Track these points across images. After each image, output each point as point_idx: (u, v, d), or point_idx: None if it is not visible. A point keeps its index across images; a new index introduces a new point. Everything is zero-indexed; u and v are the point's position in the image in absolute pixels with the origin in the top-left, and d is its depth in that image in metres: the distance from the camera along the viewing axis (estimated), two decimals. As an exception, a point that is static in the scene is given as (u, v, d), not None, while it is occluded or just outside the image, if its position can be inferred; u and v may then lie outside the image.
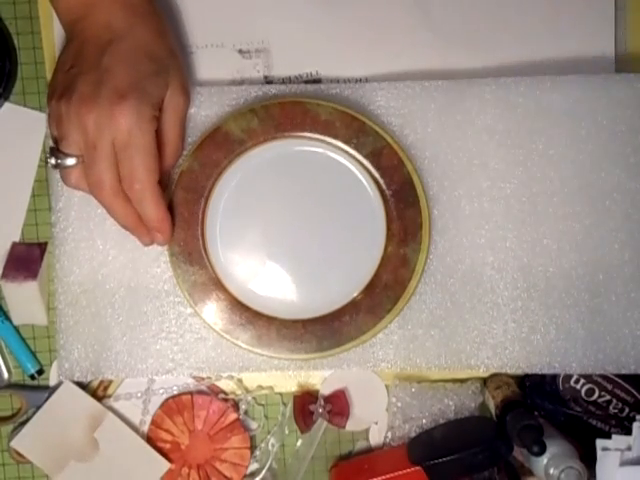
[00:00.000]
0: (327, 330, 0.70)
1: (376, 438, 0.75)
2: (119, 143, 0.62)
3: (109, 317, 0.71)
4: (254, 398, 0.75)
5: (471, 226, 0.71)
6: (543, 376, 0.72)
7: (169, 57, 0.66)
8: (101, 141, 0.62)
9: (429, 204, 0.70)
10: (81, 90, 0.62)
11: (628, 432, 0.68)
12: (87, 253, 0.71)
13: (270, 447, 0.75)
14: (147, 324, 0.71)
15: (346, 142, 0.69)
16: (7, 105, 0.74)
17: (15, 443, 0.73)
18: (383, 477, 0.70)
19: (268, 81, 0.74)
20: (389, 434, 0.74)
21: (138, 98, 0.62)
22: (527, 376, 0.73)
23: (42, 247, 0.74)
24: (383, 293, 0.70)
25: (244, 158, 0.70)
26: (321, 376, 0.75)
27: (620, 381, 0.72)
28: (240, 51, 0.74)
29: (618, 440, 0.67)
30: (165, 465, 0.74)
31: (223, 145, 0.69)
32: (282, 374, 0.74)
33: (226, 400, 0.75)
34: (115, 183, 0.63)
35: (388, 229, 0.70)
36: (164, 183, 0.68)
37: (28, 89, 0.74)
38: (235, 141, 0.69)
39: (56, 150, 0.64)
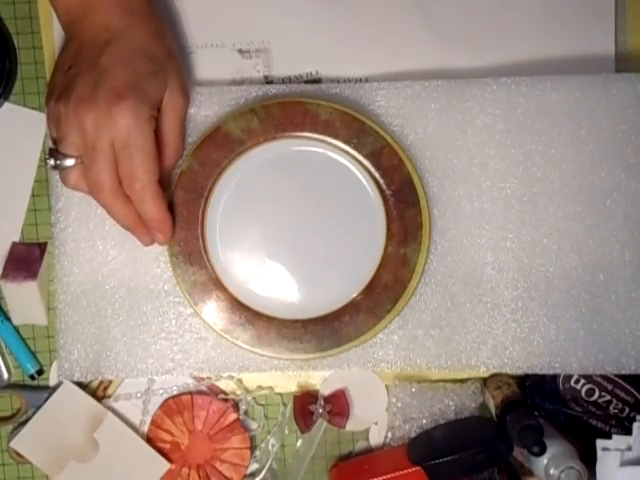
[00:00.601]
0: (327, 330, 0.70)
1: (376, 438, 0.75)
2: (118, 143, 0.62)
3: (109, 317, 0.71)
4: (254, 398, 0.75)
5: (471, 226, 0.71)
6: (543, 376, 0.72)
7: (167, 58, 0.66)
8: (100, 142, 0.62)
9: (429, 204, 0.70)
10: (79, 91, 0.62)
11: (628, 432, 0.68)
12: (87, 253, 0.71)
13: (270, 447, 0.75)
14: (147, 324, 0.71)
15: (346, 142, 0.69)
16: (7, 105, 0.74)
17: (15, 443, 0.73)
18: (383, 477, 0.70)
19: (268, 81, 0.74)
20: (389, 434, 0.74)
21: (136, 98, 0.62)
22: (527, 376, 0.73)
23: (42, 247, 0.74)
24: (383, 293, 0.70)
25: (244, 158, 0.70)
26: (321, 376, 0.75)
27: (620, 381, 0.72)
28: (240, 51, 0.74)
29: (618, 440, 0.67)
30: (165, 465, 0.74)
31: (223, 145, 0.69)
32: (282, 374, 0.74)
33: (226, 400, 0.75)
34: (115, 184, 0.63)
35: (388, 229, 0.70)
36: (164, 183, 0.68)
37: (28, 89, 0.74)
38: (235, 141, 0.69)
39: (55, 151, 0.64)
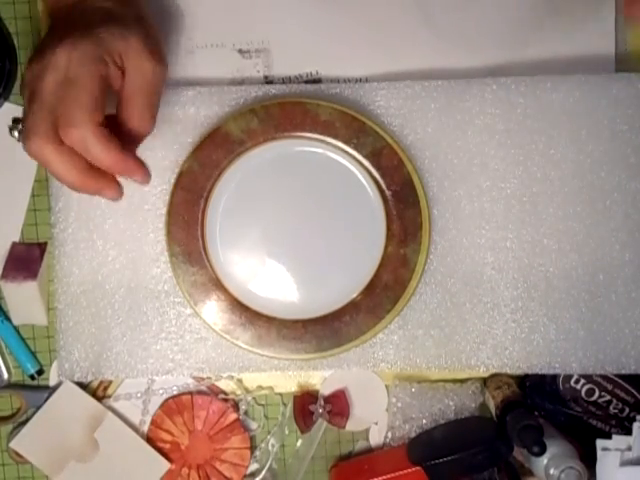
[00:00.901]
0: (327, 330, 0.70)
1: (376, 438, 0.75)
2: (57, 81, 0.57)
3: (109, 317, 0.71)
4: (254, 398, 0.75)
5: (471, 226, 0.71)
6: (543, 376, 0.72)
7: (133, 21, 0.61)
8: (40, 85, 0.57)
9: (429, 204, 0.70)
10: (36, 51, 0.59)
11: (628, 432, 0.68)
12: (87, 253, 0.71)
13: (270, 447, 0.75)
14: (147, 324, 0.71)
15: (346, 142, 0.69)
16: (7, 105, 0.74)
17: (14, 444, 0.73)
18: (383, 477, 0.70)
19: (268, 81, 0.74)
20: (389, 434, 0.74)
21: (81, 36, 0.58)
22: (527, 376, 0.73)
23: (42, 247, 0.74)
24: (383, 293, 0.70)
25: (244, 158, 0.70)
26: (321, 376, 0.75)
27: (620, 381, 0.72)
28: (240, 51, 0.74)
29: (618, 440, 0.67)
30: (165, 465, 0.74)
31: (223, 145, 0.69)
32: (282, 374, 0.74)
33: (226, 400, 0.75)
34: (50, 130, 0.57)
35: (388, 229, 0.70)
36: (132, 149, 0.63)
37: (28, 89, 0.74)
38: (235, 141, 0.69)
39: (17, 120, 0.60)
